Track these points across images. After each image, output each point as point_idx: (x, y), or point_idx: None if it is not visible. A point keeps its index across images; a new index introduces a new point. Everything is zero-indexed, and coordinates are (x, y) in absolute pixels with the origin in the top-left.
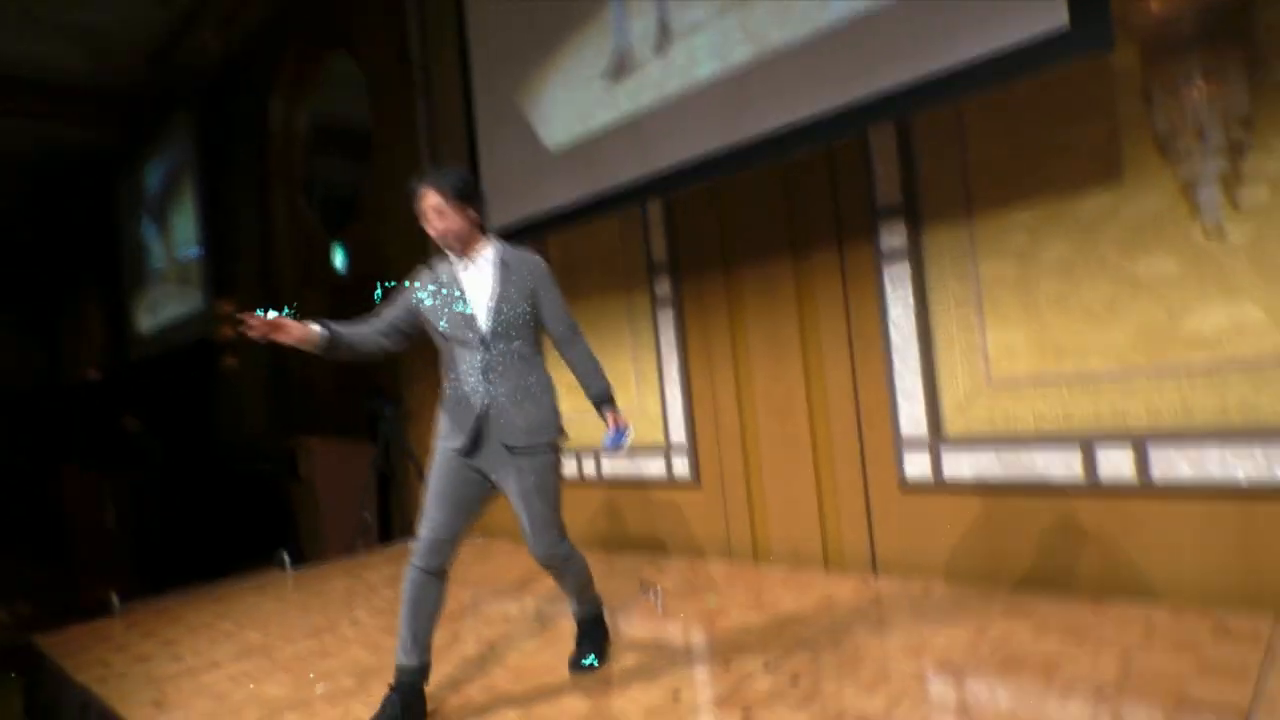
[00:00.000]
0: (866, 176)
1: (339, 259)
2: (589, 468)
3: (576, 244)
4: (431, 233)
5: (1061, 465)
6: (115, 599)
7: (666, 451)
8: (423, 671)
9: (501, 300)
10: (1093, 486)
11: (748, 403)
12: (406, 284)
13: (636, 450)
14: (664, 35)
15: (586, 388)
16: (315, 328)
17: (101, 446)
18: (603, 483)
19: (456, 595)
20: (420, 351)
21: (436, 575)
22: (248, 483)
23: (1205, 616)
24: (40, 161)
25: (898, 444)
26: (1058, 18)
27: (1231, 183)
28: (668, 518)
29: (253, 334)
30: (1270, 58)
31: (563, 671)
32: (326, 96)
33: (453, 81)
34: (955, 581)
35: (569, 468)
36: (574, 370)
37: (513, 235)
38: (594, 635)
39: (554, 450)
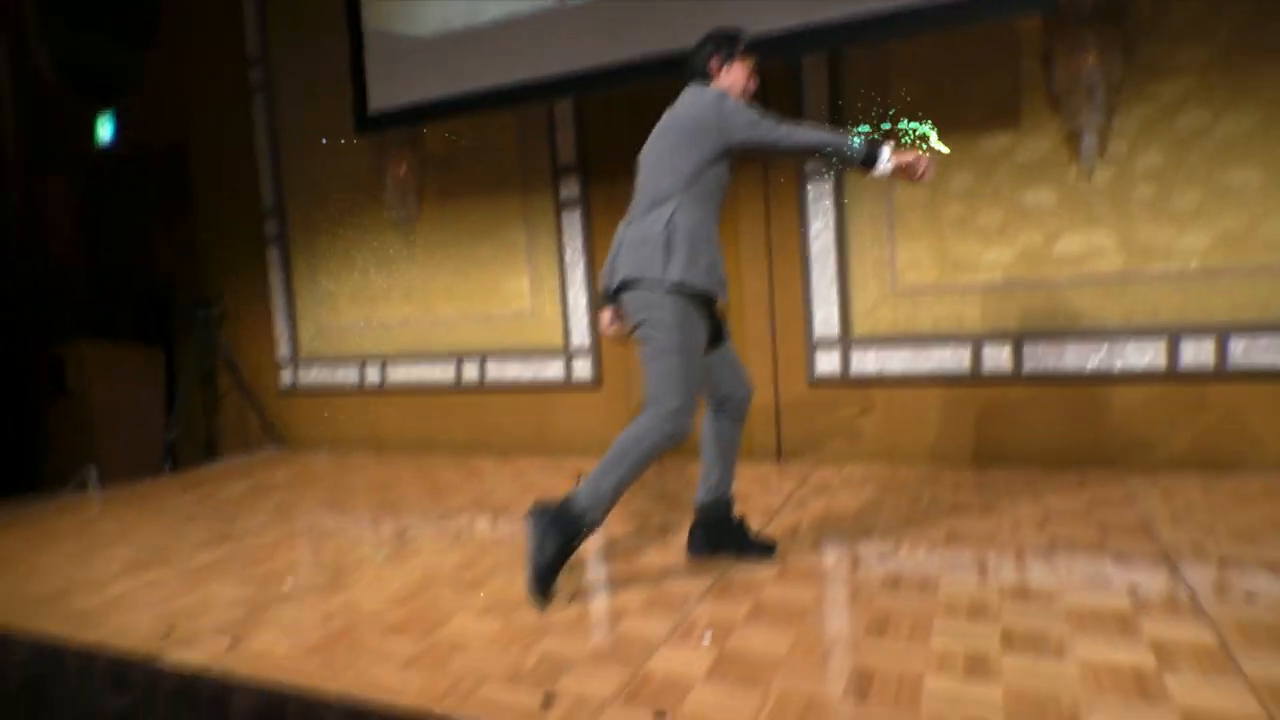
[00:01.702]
0: (795, 97)
1: (106, 131)
2: (473, 373)
3: (464, 137)
4: (750, 90)
5: (953, 360)
6: None
7: (566, 355)
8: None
9: None
10: (976, 378)
11: None
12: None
13: (533, 353)
14: None
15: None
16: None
17: None
18: (493, 387)
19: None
20: (236, 242)
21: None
22: None
23: (1067, 476)
24: None
25: (810, 344)
26: None
27: (1104, 135)
28: (568, 421)
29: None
30: (1139, 40)
31: None
32: None
33: None
34: (857, 464)
35: (463, 372)
36: None
37: (393, 119)
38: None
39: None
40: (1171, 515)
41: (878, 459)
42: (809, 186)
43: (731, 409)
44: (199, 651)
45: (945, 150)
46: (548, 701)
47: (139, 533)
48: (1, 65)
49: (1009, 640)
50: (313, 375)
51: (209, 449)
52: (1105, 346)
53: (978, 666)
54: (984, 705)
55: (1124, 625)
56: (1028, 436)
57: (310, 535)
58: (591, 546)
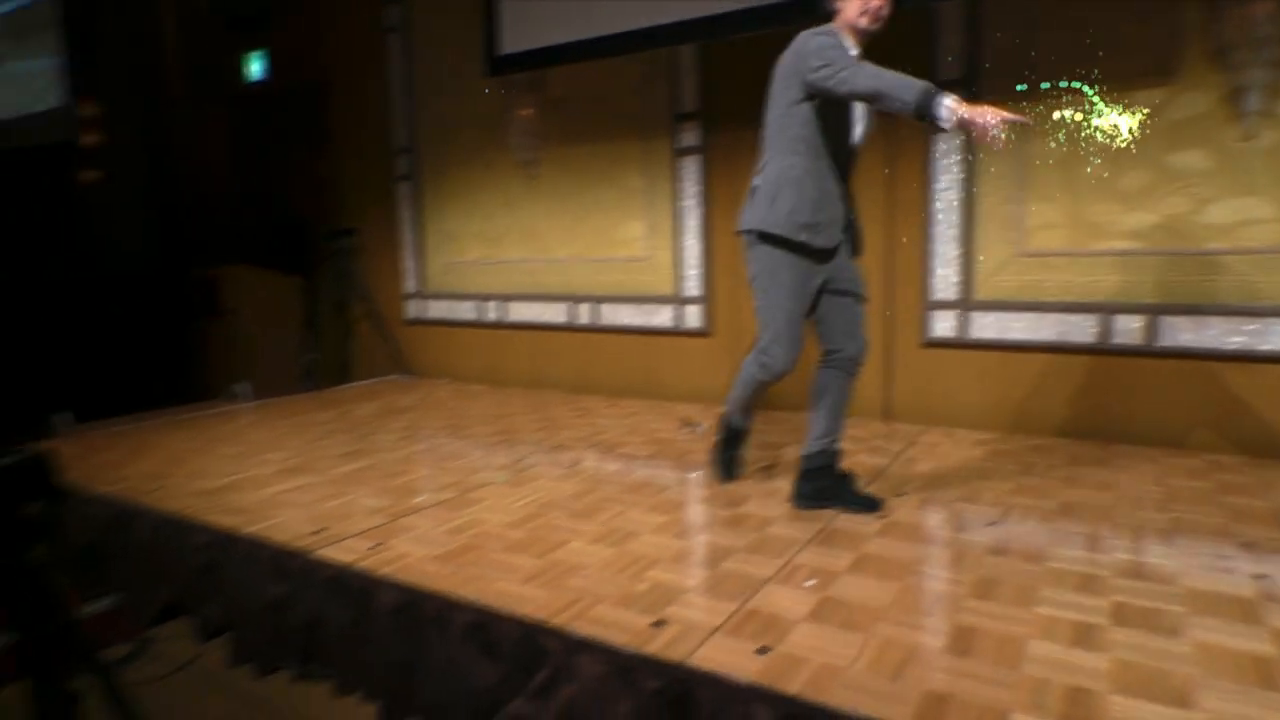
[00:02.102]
0: (929, 47)
1: (256, 67)
2: (586, 316)
3: (586, 81)
4: (882, 18)
5: (1080, 329)
6: (57, 420)
7: (678, 302)
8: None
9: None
10: (1105, 349)
11: None
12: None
13: (645, 299)
14: None
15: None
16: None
17: None
18: (604, 329)
19: None
20: (371, 177)
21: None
22: (144, 315)
23: (1196, 457)
24: None
25: (925, 304)
26: None
27: (1273, 94)
28: (676, 367)
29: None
30: None
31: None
32: None
33: None
34: (970, 430)
35: (577, 314)
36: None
37: (521, 61)
38: (720, 428)
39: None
40: None
41: (992, 426)
42: (938, 140)
43: (840, 362)
44: (345, 552)
45: (1028, 122)
46: (658, 624)
47: (287, 442)
48: (166, 5)
49: (1120, 615)
50: (437, 309)
51: (342, 371)
52: (1254, 325)
53: (1085, 637)
54: (1089, 674)
55: (1246, 613)
56: (1157, 414)
57: (436, 456)
58: (700, 492)
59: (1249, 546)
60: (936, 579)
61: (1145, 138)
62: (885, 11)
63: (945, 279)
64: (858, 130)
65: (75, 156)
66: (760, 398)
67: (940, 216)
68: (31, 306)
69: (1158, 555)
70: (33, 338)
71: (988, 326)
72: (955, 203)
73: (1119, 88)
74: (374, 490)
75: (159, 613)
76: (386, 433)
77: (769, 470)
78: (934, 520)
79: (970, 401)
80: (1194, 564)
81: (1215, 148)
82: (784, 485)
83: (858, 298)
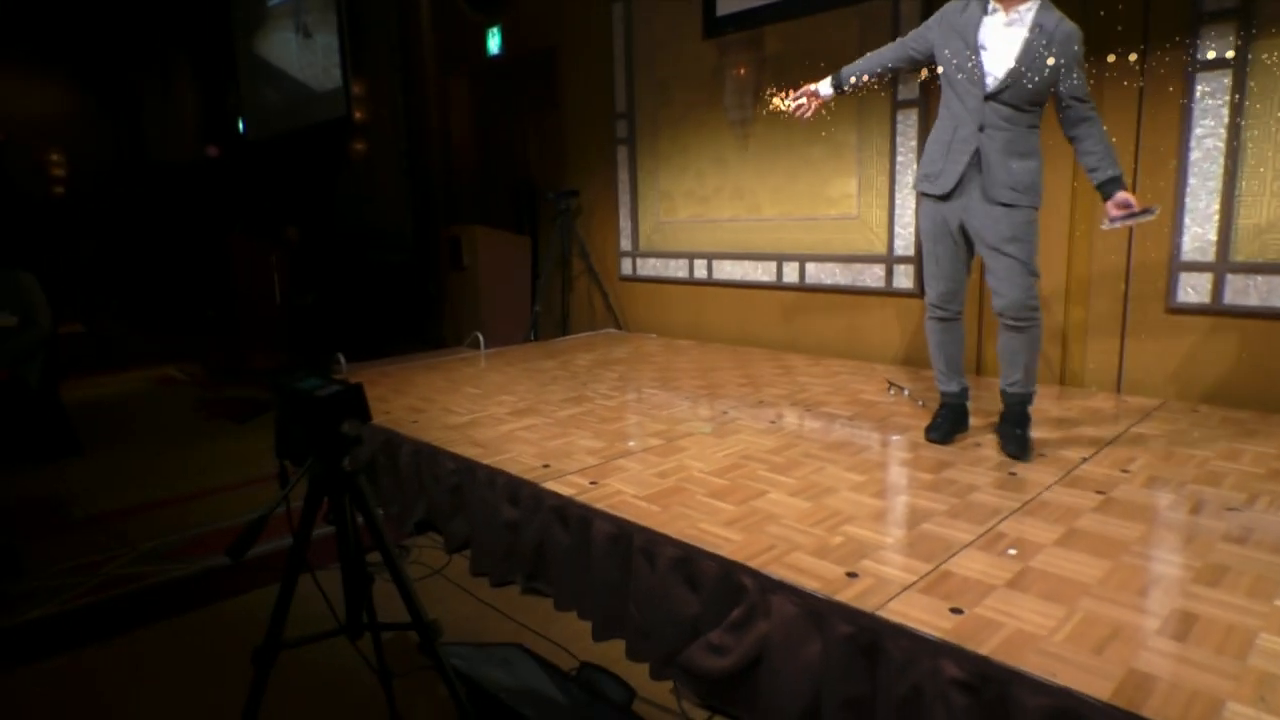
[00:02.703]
0: None
1: (494, 43)
2: (792, 275)
3: (802, 37)
4: None
5: None
6: (341, 359)
7: (889, 261)
8: (964, 394)
9: (1024, 65)
10: None
11: None
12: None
13: (855, 258)
14: None
15: (1094, 170)
16: (826, 89)
17: (262, 218)
18: (812, 287)
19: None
20: (592, 141)
21: (953, 319)
22: (399, 269)
23: None
24: None
25: (1174, 266)
26: None
27: None
28: (882, 327)
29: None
30: None
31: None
32: None
33: None
34: (1218, 407)
35: (783, 273)
36: (1080, 150)
37: (739, 20)
38: (1022, 421)
39: (1033, 210)
40: None
41: (1245, 404)
42: (1198, 79)
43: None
44: (568, 485)
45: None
46: (852, 575)
47: (517, 386)
48: None
49: None
50: (649, 266)
51: (564, 323)
52: None
53: None
54: None
55: None
56: None
57: (646, 404)
58: (902, 455)
59: None
60: (1159, 560)
61: None
62: None
63: (1198, 238)
64: (989, 81)
65: (351, 130)
66: (946, 349)
67: (1195, 166)
68: (321, 260)
69: None
70: (321, 288)
71: (1249, 293)
72: (1216, 150)
73: None
74: (592, 433)
75: (416, 525)
76: (601, 382)
77: (977, 440)
78: (1163, 500)
79: (1220, 375)
80: None
81: None
82: (991, 453)
83: (988, 248)
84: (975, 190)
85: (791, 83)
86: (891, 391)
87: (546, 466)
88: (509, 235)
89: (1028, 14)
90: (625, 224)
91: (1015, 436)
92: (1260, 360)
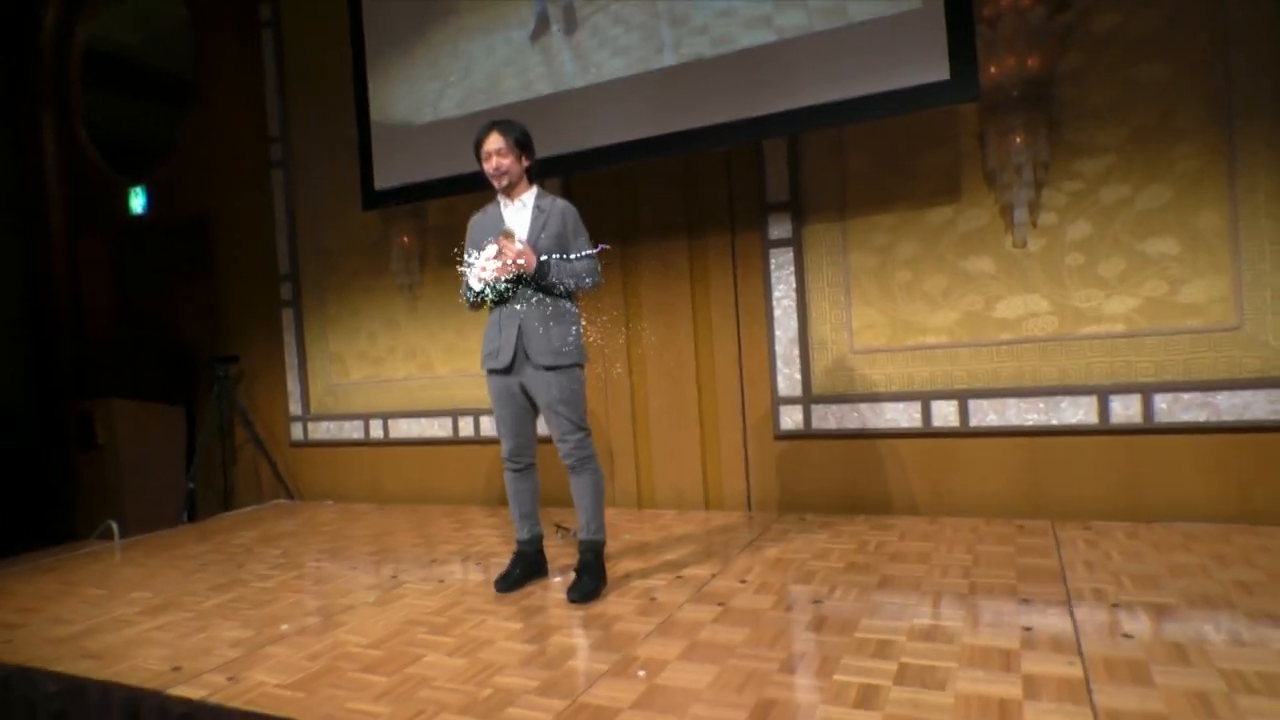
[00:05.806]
0: (759, 174)
1: (138, 202)
2: (466, 428)
3: (462, 209)
4: (488, 168)
5: (905, 416)
6: None
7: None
8: (535, 541)
9: (534, 237)
10: (927, 431)
11: (638, 365)
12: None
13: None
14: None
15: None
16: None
17: None
18: (488, 443)
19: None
20: (255, 305)
21: (526, 470)
22: (12, 454)
23: (1008, 524)
24: None
25: (775, 401)
26: (940, 72)
27: (1034, 208)
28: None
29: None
30: (1063, 122)
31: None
32: (115, 18)
33: (319, 27)
34: (820, 512)
35: (459, 428)
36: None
37: (395, 196)
38: (594, 569)
39: (578, 368)
40: (1086, 562)
41: (834, 509)
42: (772, 254)
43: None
44: (200, 687)
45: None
46: None
47: (157, 579)
48: (48, 137)
49: (902, 675)
50: (323, 430)
51: (226, 499)
52: (1043, 402)
53: (868, 698)
54: None
55: (1006, 661)
56: (972, 486)
57: (309, 580)
58: (558, 595)
59: (1026, 601)
60: (755, 658)
61: (941, 247)
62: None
63: (789, 377)
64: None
65: None
66: (520, 497)
67: (779, 321)
68: None
69: (949, 617)
70: None
71: (825, 418)
72: (792, 309)
73: (917, 205)
74: (239, 621)
75: None
76: (261, 561)
77: (627, 567)
78: (767, 603)
79: (816, 486)
80: (978, 622)
81: (997, 253)
82: (640, 583)
83: (544, 407)
84: (526, 360)
85: (454, 250)
86: (560, 535)
87: (177, 669)
88: (157, 407)
89: (530, 199)
90: (294, 388)
91: (579, 584)
92: (844, 472)
